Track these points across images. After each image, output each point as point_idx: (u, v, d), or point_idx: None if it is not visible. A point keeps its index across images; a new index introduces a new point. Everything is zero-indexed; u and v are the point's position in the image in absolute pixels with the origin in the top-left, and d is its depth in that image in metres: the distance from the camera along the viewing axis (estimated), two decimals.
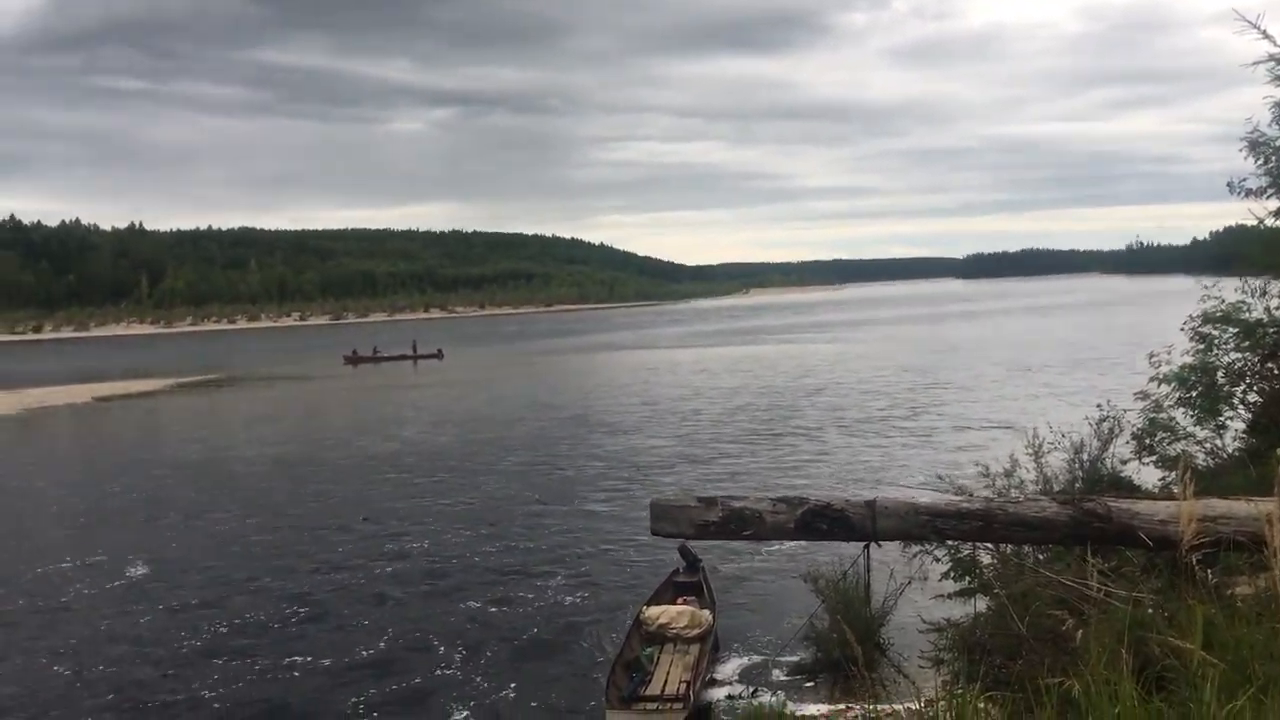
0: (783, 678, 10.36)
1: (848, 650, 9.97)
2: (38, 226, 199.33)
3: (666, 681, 9.75)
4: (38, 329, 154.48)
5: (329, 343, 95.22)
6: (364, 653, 11.67)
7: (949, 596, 9.52)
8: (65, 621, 13.20)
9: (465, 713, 9.86)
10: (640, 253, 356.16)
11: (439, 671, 11.02)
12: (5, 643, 12.43)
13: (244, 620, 13.05)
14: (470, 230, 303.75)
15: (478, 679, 10.76)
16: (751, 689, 10.04)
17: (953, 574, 9.26)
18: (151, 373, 62.02)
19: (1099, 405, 10.21)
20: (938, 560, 9.35)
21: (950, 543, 8.91)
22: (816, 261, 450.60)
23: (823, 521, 9.19)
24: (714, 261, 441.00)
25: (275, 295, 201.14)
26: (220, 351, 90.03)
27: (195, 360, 76.18)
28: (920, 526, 8.97)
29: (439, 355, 67.37)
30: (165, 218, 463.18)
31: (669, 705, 9.21)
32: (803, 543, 14.03)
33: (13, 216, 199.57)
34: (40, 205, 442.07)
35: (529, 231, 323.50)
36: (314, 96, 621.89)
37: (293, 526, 18.37)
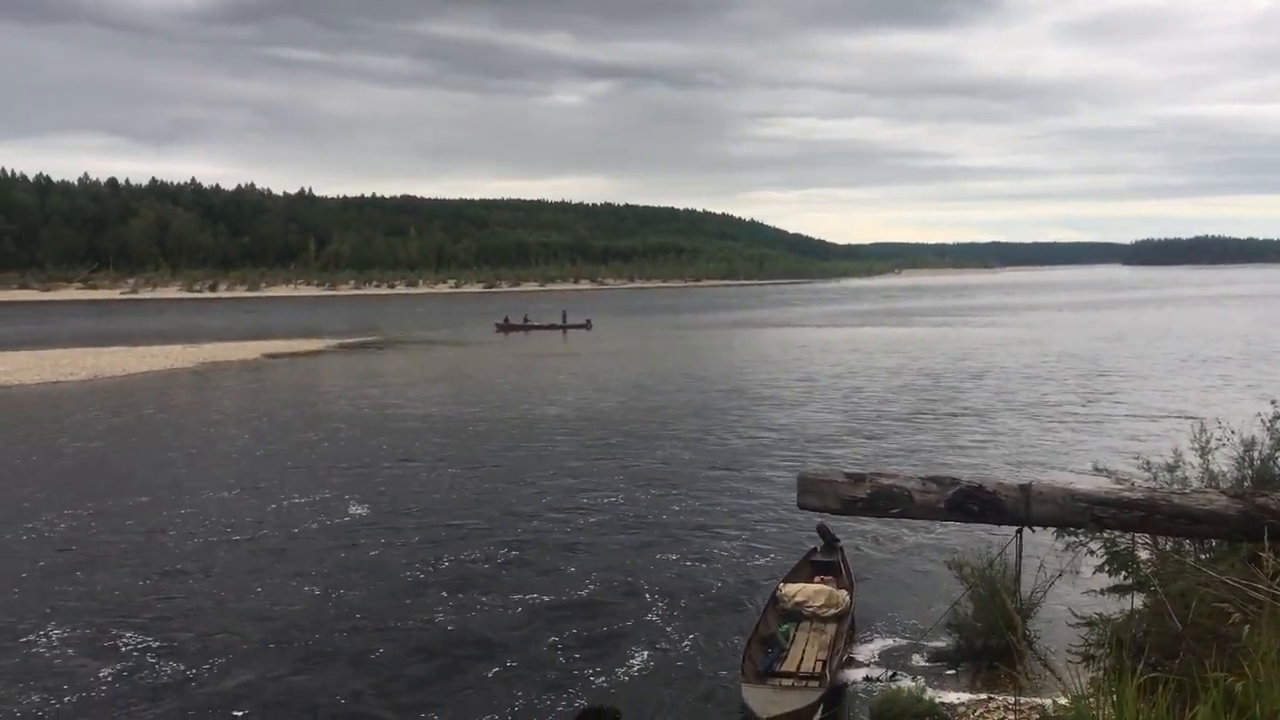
0: (923, 663, 10.18)
1: (992, 640, 9.78)
2: (216, 190, 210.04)
3: (802, 659, 9.70)
4: (213, 287, 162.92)
5: (481, 310, 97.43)
6: (540, 597, 12.17)
7: (1102, 592, 9.19)
8: (308, 551, 14.41)
9: (604, 676, 10.01)
10: (790, 230, 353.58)
11: (590, 625, 11.28)
12: (266, 568, 13.64)
13: (457, 559, 13.96)
14: (622, 203, 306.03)
15: (620, 639, 10.94)
16: (890, 672, 9.90)
17: (1108, 567, 8.93)
18: (316, 333, 64.73)
19: (1274, 401, 9.65)
20: (1091, 553, 9.04)
21: (1107, 534, 8.61)
22: (972, 243, 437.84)
23: (974, 503, 9.00)
24: (866, 240, 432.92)
25: (432, 262, 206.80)
26: (379, 315, 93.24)
27: (356, 322, 79.16)
28: (1077, 514, 8.70)
29: (587, 326, 68.21)
30: (333, 184, 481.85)
31: (805, 683, 9.16)
32: (946, 527, 13.83)
33: (193, 180, 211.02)
34: (218, 170, 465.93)
35: (680, 206, 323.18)
36: (476, 69, 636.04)
37: (483, 478, 19.25)
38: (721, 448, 22.37)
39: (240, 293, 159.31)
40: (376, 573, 13.30)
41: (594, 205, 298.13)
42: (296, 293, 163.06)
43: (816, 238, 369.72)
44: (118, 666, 10.22)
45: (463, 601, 12.16)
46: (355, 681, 9.85)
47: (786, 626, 10.34)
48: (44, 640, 10.98)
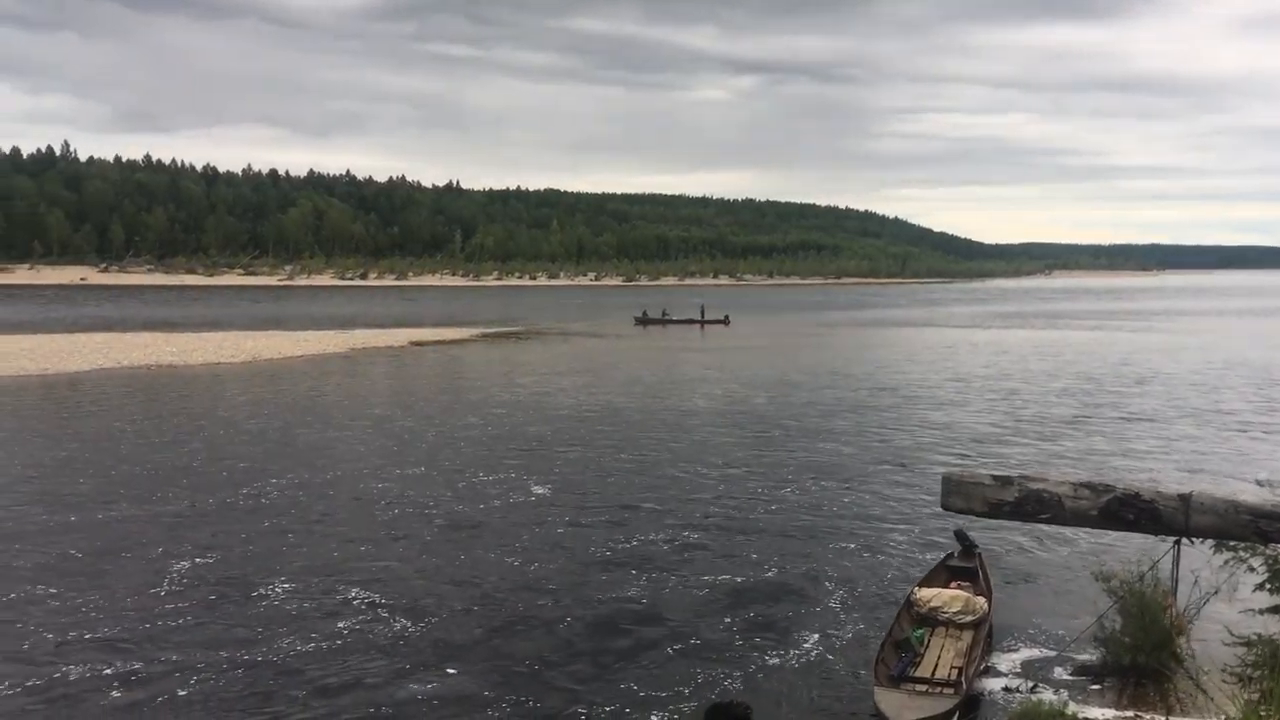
0: (1065, 676, 9.82)
1: (1141, 656, 9.39)
2: (369, 182, 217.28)
3: (937, 665, 9.49)
4: (364, 276, 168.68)
5: (620, 303, 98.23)
6: (681, 584, 12.03)
7: (1262, 611, 8.73)
8: (500, 526, 14.99)
9: (732, 668, 9.90)
10: (935, 228, 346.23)
11: (728, 615, 11.17)
12: (463, 540, 14.29)
13: (640, 540, 14.35)
14: (763, 199, 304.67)
15: (754, 632, 10.85)
16: (1031, 684, 9.57)
17: (1269, 585, 8.48)
18: (460, 322, 66.33)
19: None
20: (1253, 569, 8.60)
21: (1271, 548, 8.18)
22: (1129, 245, 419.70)
23: (1129, 511, 8.59)
24: (1014, 240, 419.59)
25: (574, 255, 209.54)
26: (521, 306, 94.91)
27: (499, 312, 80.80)
28: (1240, 526, 8.24)
29: (725, 322, 68.08)
30: (479, 177, 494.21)
31: (939, 689, 8.96)
32: (1093, 535, 13.32)
33: (348, 171, 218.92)
34: (372, 162, 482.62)
35: (822, 202, 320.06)
36: (621, 63, 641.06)
37: (649, 465, 19.58)
38: (875, 445, 21.98)
39: (389, 281, 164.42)
40: (563, 549, 13.86)
41: (735, 201, 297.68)
42: (442, 282, 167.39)
43: (962, 236, 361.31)
44: (349, 621, 11.01)
45: (644, 581, 12.56)
46: (544, 648, 10.37)
47: (920, 631, 10.14)
48: (275, 594, 11.84)
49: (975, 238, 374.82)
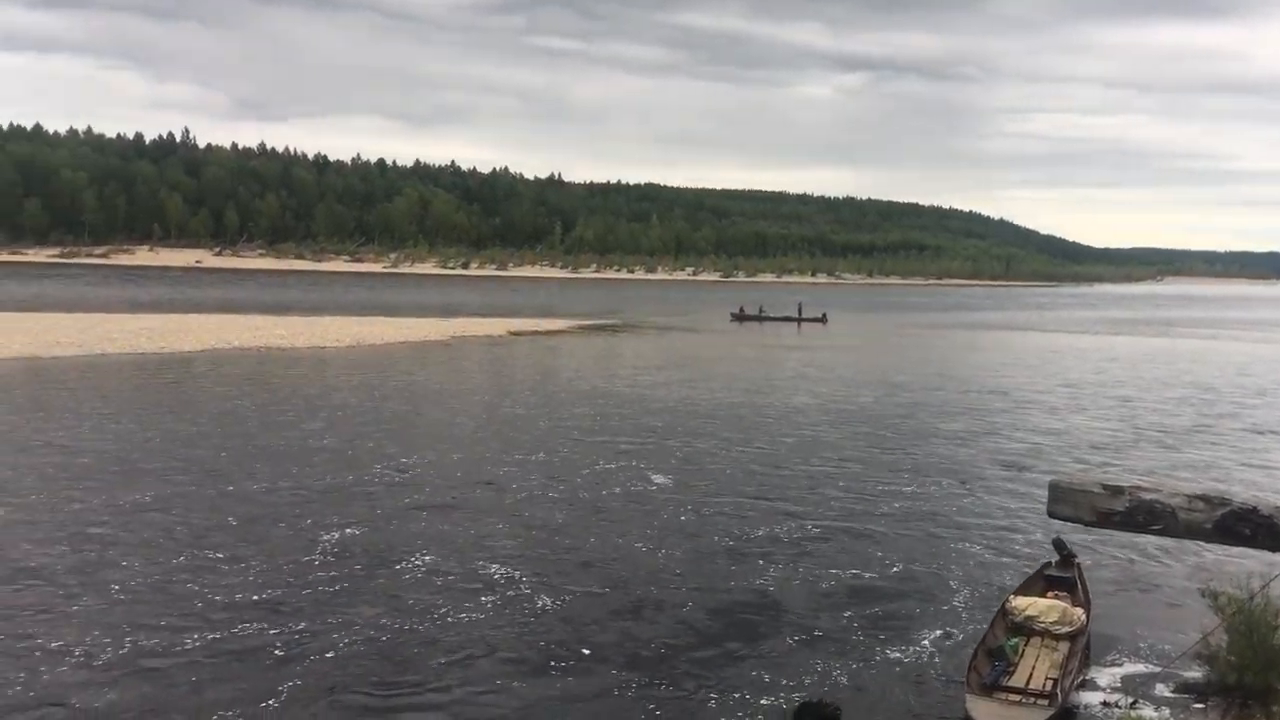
0: (1167, 694, 9.55)
1: (1248, 677, 9.09)
2: (473, 173, 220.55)
3: (1031, 675, 9.32)
4: (465, 265, 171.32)
5: (717, 298, 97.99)
6: (792, 578, 12.04)
7: None
8: (625, 513, 15.32)
9: (826, 666, 9.82)
10: (1042, 230, 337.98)
11: (830, 611, 11.05)
12: (591, 525, 14.63)
13: (759, 531, 14.51)
14: (864, 197, 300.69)
15: (858, 632, 10.82)
16: (1130, 700, 9.32)
17: None
18: (557, 313, 66.98)
19: None
20: None
21: None
22: (1246, 252, 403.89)
23: (1246, 526, 8.28)
24: (1124, 245, 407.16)
25: (672, 249, 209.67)
26: (618, 299, 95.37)
27: (596, 304, 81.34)
28: None
29: (823, 320, 67.51)
30: (580, 170, 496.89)
31: (1033, 700, 8.81)
32: (1202, 549, 12.93)
33: (453, 163, 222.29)
34: (476, 153, 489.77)
35: (925, 202, 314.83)
36: (726, 59, 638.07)
37: (762, 460, 19.63)
38: (985, 448, 21.66)
39: (489, 271, 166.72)
40: (686, 536, 14.09)
41: (836, 199, 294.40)
42: (541, 274, 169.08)
43: (1070, 239, 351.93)
44: (491, 596, 11.44)
45: (758, 570, 12.73)
46: (670, 632, 10.61)
47: (1015, 640, 9.97)
48: (418, 566, 12.33)
49: (1083, 241, 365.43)
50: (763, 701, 9.03)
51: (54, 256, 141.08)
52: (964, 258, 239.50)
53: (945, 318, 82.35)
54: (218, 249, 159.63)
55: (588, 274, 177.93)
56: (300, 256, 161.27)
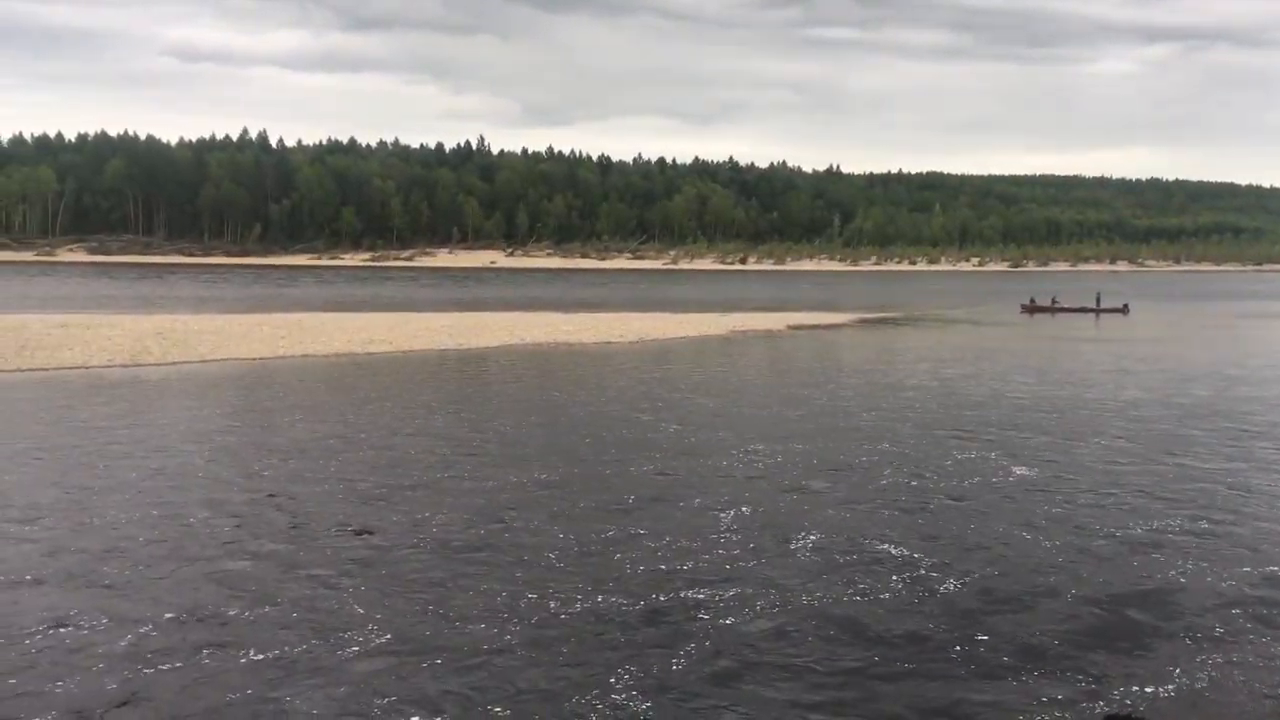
0: None
1: None
2: (750, 168, 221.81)
3: None
4: (743, 260, 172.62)
5: (1005, 289, 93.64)
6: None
7: None
8: (991, 506, 14.73)
9: (1138, 685, 9.05)
10: None
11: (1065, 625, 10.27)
12: (969, 512, 14.36)
13: (1144, 525, 13.71)
14: (1170, 178, 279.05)
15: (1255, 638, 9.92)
16: None
17: None
18: (836, 306, 66.06)
19: None
20: None
21: None
22: None
23: None
24: None
25: (956, 239, 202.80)
26: (899, 291, 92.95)
27: (876, 298, 79.67)
28: None
29: (1124, 310, 63.00)
30: (859, 161, 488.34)
31: None
32: None
33: (730, 158, 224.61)
34: (754, 149, 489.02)
35: (1242, 181, 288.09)
36: (1014, 38, 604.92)
37: (1121, 453, 18.64)
38: None
39: (767, 266, 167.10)
40: (1066, 529, 13.53)
41: (1137, 181, 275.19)
42: (819, 267, 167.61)
43: None
44: (899, 577, 11.51)
45: (1136, 566, 12.09)
46: (1056, 624, 10.25)
47: None
48: (808, 546, 12.56)
49: None
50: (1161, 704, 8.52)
51: (366, 260, 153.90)
52: None
53: (1265, 307, 74.84)
54: (509, 249, 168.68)
55: (867, 266, 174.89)
56: (585, 255, 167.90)
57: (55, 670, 8.64)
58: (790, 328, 48.34)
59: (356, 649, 9.24)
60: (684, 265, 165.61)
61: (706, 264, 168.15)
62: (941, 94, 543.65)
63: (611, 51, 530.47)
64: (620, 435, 19.66)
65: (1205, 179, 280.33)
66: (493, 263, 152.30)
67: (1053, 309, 63.81)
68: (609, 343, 38.92)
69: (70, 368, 27.79)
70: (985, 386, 27.48)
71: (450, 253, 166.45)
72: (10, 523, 12.88)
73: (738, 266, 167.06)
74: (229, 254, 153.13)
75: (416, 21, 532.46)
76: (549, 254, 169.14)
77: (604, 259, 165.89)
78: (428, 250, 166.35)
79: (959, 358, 35.63)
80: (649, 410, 22.74)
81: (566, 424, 20.91)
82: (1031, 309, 64.01)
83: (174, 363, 29.44)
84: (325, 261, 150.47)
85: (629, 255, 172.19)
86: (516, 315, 51.10)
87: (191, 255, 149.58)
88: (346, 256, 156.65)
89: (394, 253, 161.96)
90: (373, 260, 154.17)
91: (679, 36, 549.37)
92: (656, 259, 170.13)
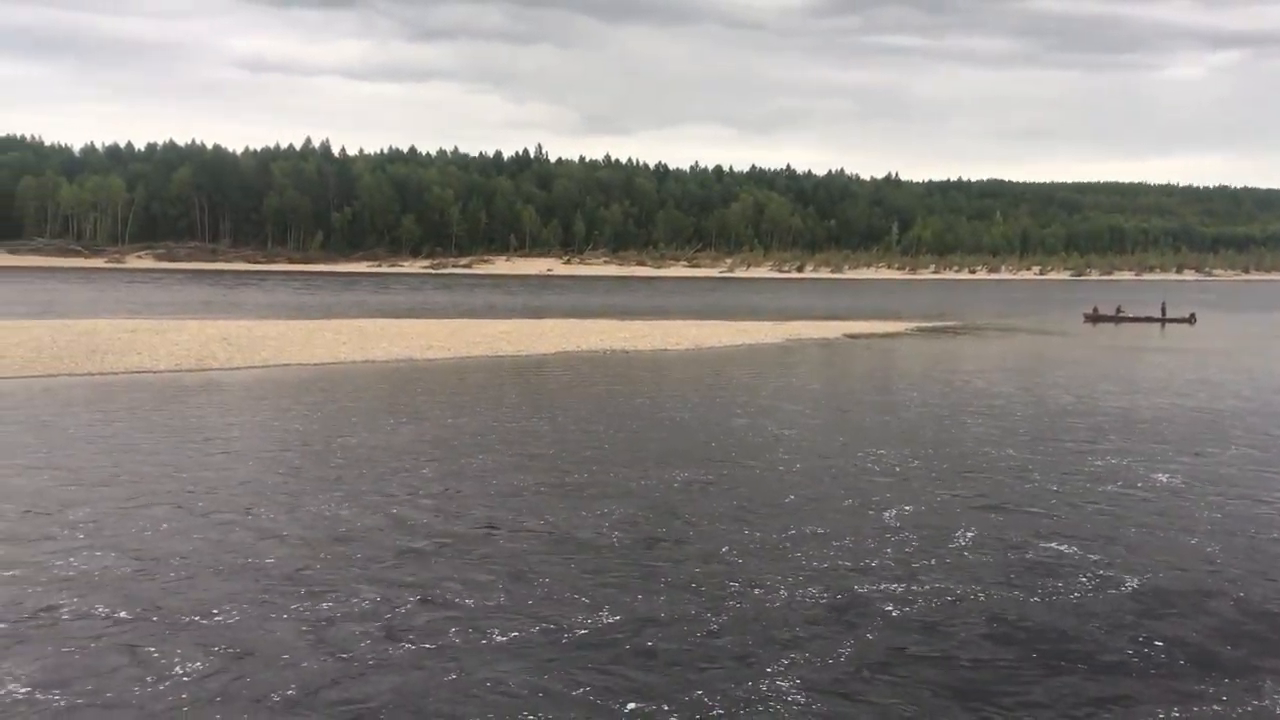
0: None
1: None
2: (808, 175, 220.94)
3: None
4: (800, 268, 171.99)
5: (1067, 298, 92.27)
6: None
7: None
8: (1140, 511, 14.70)
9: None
10: None
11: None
12: (1119, 516, 14.37)
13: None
14: (1240, 185, 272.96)
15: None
16: None
17: None
18: (894, 315, 65.50)
19: None
20: None
21: None
22: None
23: None
24: None
25: (1016, 247, 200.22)
26: (957, 300, 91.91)
27: (934, 306, 78.85)
28: None
29: (1190, 320, 61.76)
30: (919, 168, 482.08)
31: None
32: None
33: (788, 166, 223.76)
34: (812, 156, 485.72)
35: None
36: (1081, 44, 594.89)
37: (1249, 457, 18.51)
38: None
39: (824, 274, 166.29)
40: (1221, 535, 13.40)
41: (1204, 188, 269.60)
42: (876, 275, 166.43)
43: None
44: (1062, 578, 11.61)
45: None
46: (1226, 630, 10.19)
47: None
48: (968, 543, 12.86)
49: None
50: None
51: (425, 267, 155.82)
52: None
53: None
54: (566, 257, 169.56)
55: (926, 274, 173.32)
56: (641, 263, 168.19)
57: (324, 669, 8.92)
58: (847, 336, 47.98)
59: (581, 633, 9.78)
60: (740, 273, 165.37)
61: (763, 272, 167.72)
62: (1005, 101, 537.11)
63: (671, 60, 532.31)
64: (737, 439, 19.75)
65: (1275, 186, 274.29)
66: (550, 270, 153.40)
67: (1116, 318, 62.71)
68: (664, 350, 38.95)
69: (138, 371, 28.47)
70: (1073, 395, 27.10)
71: (508, 260, 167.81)
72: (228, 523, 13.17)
73: (794, 275, 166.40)
74: (291, 260, 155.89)
75: (480, 31, 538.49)
76: (605, 261, 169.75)
77: (660, 266, 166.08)
78: (485, 258, 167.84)
79: (1032, 367, 35.18)
80: (743, 415, 22.80)
81: (671, 427, 20.98)
82: (1094, 318, 62.96)
83: (238, 367, 30.04)
84: (385, 269, 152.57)
85: (685, 263, 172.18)
86: (573, 323, 51.28)
87: (255, 262, 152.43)
88: (406, 264, 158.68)
89: (452, 260, 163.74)
90: (431, 267, 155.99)
91: (739, 45, 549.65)
92: (712, 267, 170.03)
